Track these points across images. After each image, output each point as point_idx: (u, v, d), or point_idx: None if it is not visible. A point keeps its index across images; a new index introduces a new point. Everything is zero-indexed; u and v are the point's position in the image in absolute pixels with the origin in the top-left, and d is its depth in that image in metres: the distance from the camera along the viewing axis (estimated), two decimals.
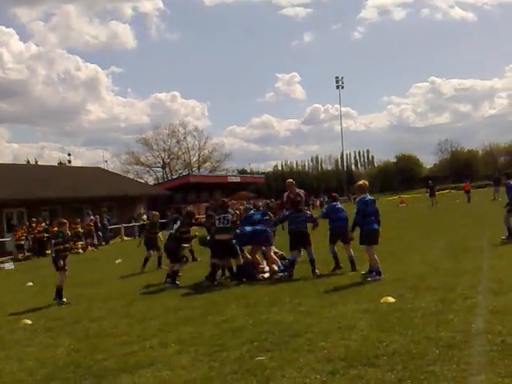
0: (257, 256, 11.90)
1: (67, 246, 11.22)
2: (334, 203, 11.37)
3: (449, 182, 77.62)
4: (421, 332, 5.69)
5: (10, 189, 31.30)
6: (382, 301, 7.37)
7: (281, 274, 10.86)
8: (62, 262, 10.81)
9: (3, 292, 13.63)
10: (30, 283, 14.56)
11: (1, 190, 30.53)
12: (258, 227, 11.46)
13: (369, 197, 10.08)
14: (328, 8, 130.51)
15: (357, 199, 10.82)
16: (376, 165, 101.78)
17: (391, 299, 7.38)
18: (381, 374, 4.61)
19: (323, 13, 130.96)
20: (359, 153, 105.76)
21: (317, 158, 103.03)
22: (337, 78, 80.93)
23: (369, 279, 9.37)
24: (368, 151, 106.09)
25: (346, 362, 5.03)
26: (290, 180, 12.90)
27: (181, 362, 5.65)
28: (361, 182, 10.54)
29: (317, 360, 5.19)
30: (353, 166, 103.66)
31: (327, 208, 11.51)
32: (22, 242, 25.78)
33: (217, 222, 11.56)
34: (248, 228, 11.45)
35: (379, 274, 9.45)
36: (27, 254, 26.08)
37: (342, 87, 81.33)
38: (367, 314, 6.81)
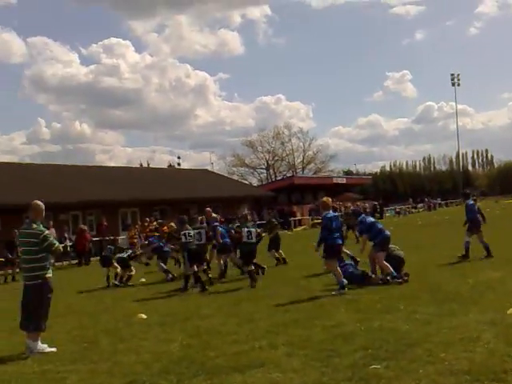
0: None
1: None
2: None
3: None
4: None
5: (124, 190, 32.96)
6: (508, 312, 6.90)
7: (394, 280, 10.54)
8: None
9: (118, 287, 14.25)
10: (143, 279, 15.11)
11: (117, 192, 32.23)
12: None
13: (332, 213, 10.50)
14: (441, 4, 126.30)
15: (322, 215, 11.12)
16: (496, 165, 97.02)
17: None
18: None
19: (436, 9, 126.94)
20: (477, 152, 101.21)
21: (429, 158, 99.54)
22: (452, 75, 77.72)
23: (333, 293, 9.82)
24: (487, 151, 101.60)
25: (470, 375, 4.72)
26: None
27: (291, 364, 5.57)
28: (324, 199, 10.89)
29: (437, 372, 4.90)
30: (469, 167, 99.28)
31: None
32: (135, 241, 26.88)
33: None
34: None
35: (343, 287, 9.88)
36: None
37: (458, 84, 78.01)
38: (492, 325, 6.40)
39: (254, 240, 12.74)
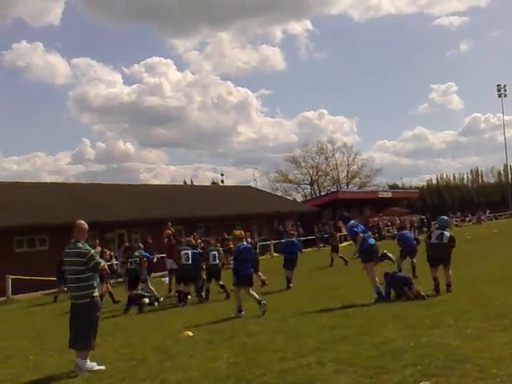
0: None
1: None
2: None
3: None
4: None
5: (169, 208, 33.37)
6: None
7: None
8: None
9: (163, 305, 14.41)
10: (190, 297, 15.21)
11: (161, 209, 32.63)
12: None
13: (244, 245, 11.63)
14: (486, 15, 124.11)
15: (234, 247, 12.28)
16: None
17: None
18: None
19: (480, 20, 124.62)
20: None
21: (477, 171, 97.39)
22: (498, 85, 76.18)
23: (233, 315, 10.96)
24: None
25: None
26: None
27: (340, 382, 5.50)
28: (237, 232, 11.85)
29: None
30: None
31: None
32: None
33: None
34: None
35: (240, 311, 11.06)
36: None
37: (505, 95, 76.44)
38: None
39: (217, 262, 14.61)
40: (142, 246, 16.54)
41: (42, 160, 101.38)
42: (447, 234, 11.21)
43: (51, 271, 22.79)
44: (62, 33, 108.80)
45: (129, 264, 14.72)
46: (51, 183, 39.09)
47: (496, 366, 5.38)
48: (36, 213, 27.20)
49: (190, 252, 14.56)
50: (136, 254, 15.19)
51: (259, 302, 10.89)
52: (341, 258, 22.47)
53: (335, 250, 23.56)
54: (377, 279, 11.06)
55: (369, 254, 11.32)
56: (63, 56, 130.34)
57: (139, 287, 14.75)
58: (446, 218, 12.16)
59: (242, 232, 12.06)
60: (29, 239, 27.29)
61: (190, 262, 14.41)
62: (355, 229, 11.49)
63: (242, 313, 11.06)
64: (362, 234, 11.34)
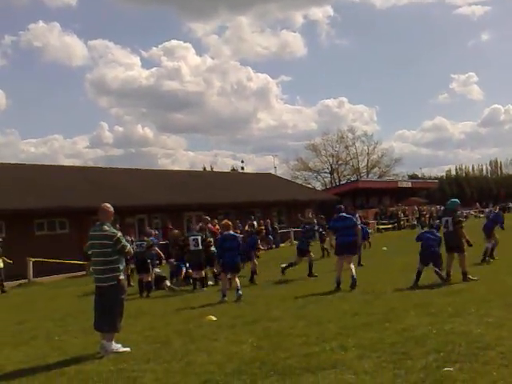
0: None
1: None
2: None
3: None
4: None
5: (189, 194, 33.58)
6: None
7: None
8: None
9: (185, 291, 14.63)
10: (210, 282, 15.36)
11: (182, 195, 32.87)
12: None
13: (230, 233, 12.17)
14: (508, 5, 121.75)
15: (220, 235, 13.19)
16: None
17: None
18: None
19: (503, 10, 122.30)
20: None
21: (496, 162, 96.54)
22: None
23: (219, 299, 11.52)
24: None
25: None
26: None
27: (363, 366, 5.56)
28: (224, 222, 12.75)
29: None
30: None
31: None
32: None
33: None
34: None
35: (224, 296, 11.56)
36: None
37: None
38: None
39: (200, 247, 14.27)
40: (153, 233, 16.88)
41: (60, 143, 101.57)
42: (450, 220, 11.37)
43: (71, 254, 23.17)
44: (79, 14, 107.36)
45: (135, 247, 14.69)
46: (70, 166, 39.46)
47: None
48: (56, 196, 27.41)
49: (199, 237, 14.53)
50: (145, 238, 15.39)
51: (237, 290, 11.50)
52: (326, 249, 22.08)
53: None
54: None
55: (338, 249, 12.09)
56: (80, 37, 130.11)
57: (153, 272, 14.86)
58: (456, 200, 12.03)
59: (229, 222, 12.74)
60: (49, 222, 27.59)
61: (200, 247, 14.45)
62: (331, 223, 12.54)
63: (225, 298, 11.54)
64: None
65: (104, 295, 7.51)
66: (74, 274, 23.32)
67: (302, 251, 15.51)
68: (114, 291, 7.49)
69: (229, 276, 12.08)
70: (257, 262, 15.99)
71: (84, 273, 22.71)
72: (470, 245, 11.54)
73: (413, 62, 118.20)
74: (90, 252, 7.98)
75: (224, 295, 11.65)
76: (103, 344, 7.40)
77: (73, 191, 28.41)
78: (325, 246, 22.11)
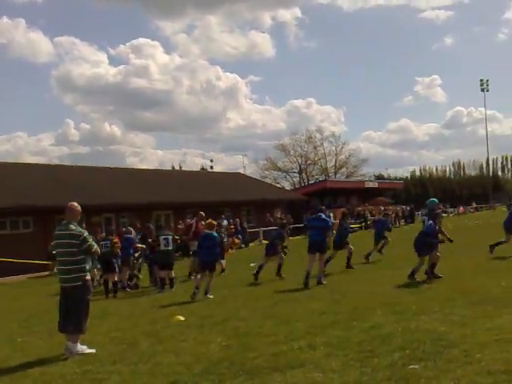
0: None
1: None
2: None
3: None
4: None
5: (158, 193, 33.31)
6: None
7: None
8: None
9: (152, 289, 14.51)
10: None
11: (150, 194, 32.57)
12: None
13: (211, 234, 12.10)
14: (470, 10, 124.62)
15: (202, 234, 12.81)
16: None
17: None
18: None
19: (465, 15, 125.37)
20: (506, 158, 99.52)
21: (459, 164, 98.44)
22: (481, 80, 76.96)
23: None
24: None
25: (506, 375, 4.73)
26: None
27: (331, 365, 5.60)
28: (208, 221, 12.79)
29: (475, 372, 4.90)
30: (499, 172, 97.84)
31: None
32: None
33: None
34: None
35: (194, 293, 11.58)
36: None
37: (487, 90, 77.16)
38: None
39: (170, 247, 14.12)
40: (131, 230, 16.43)
41: (24, 140, 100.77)
42: (428, 222, 11.66)
43: (36, 254, 22.75)
44: (45, 10, 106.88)
45: (101, 247, 14.21)
46: (35, 164, 38.76)
47: (480, 351, 5.50)
48: (19, 194, 26.81)
49: (169, 237, 14.29)
50: (109, 237, 15.00)
51: (206, 293, 11.69)
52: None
53: None
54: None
55: (310, 247, 12.51)
56: (46, 34, 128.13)
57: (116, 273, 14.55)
58: (434, 199, 12.44)
59: (214, 222, 12.87)
60: (12, 221, 26.91)
61: (170, 247, 14.28)
62: (307, 221, 12.98)
63: (197, 290, 11.69)
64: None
65: (69, 296, 7.39)
66: (38, 274, 22.93)
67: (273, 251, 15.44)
68: (80, 291, 7.37)
69: (205, 274, 12.07)
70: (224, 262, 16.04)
71: (48, 273, 22.36)
72: (451, 241, 12.06)
73: (379, 65, 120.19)
74: (54, 252, 7.85)
75: (197, 287, 11.73)
76: (68, 345, 7.28)
77: (37, 189, 27.91)
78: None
